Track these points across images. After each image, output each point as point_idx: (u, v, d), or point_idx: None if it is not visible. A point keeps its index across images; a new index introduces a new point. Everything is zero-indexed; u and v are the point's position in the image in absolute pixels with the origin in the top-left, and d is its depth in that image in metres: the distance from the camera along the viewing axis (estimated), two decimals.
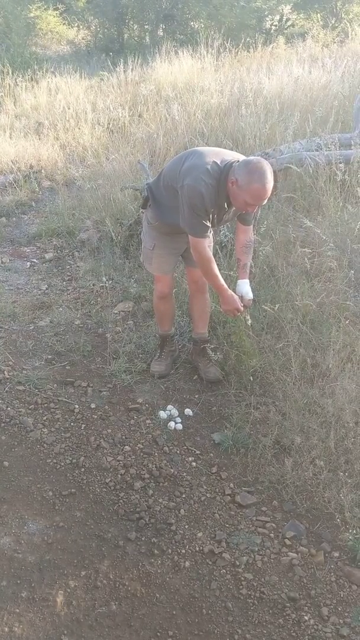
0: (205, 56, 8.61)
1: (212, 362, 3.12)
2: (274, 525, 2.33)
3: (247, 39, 10.05)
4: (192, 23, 13.11)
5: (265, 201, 2.46)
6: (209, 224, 2.58)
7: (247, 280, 2.85)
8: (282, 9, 13.15)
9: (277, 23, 12.95)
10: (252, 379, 2.97)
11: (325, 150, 4.14)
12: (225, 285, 2.70)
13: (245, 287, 2.83)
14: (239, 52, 8.92)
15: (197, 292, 3.03)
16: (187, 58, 8.67)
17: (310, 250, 3.47)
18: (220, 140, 5.24)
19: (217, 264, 3.45)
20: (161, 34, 12.84)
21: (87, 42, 13.53)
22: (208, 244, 2.69)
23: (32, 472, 2.53)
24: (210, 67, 8.30)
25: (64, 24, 13.92)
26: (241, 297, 2.79)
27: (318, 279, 3.40)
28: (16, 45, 10.35)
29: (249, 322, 2.93)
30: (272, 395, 2.89)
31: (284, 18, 13.04)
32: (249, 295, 2.83)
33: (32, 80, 8.22)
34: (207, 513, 2.37)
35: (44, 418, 2.85)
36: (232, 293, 2.71)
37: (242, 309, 2.74)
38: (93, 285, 4.08)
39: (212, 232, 2.73)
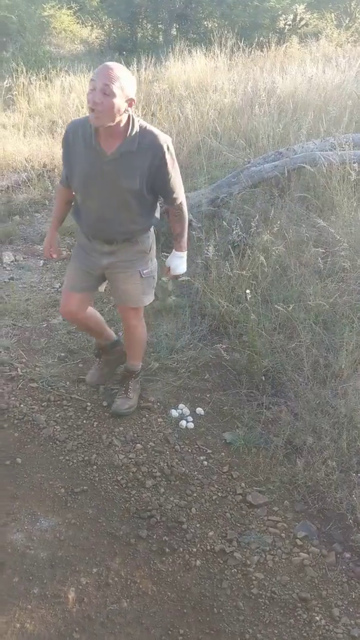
0: (219, 55, 8.62)
1: (127, 396, 2.88)
2: (285, 525, 2.32)
3: (261, 39, 10.03)
4: (205, 22, 13.12)
5: (97, 89, 2.10)
6: (64, 175, 2.49)
7: (181, 253, 2.61)
8: (296, 9, 13.10)
9: (290, 22, 12.94)
10: (264, 379, 2.97)
11: (339, 150, 4.13)
12: (53, 227, 2.69)
13: (175, 259, 2.62)
14: (253, 52, 8.92)
15: (125, 327, 2.83)
16: (201, 57, 8.68)
17: (323, 250, 3.46)
18: (233, 140, 5.25)
19: (230, 263, 3.48)
20: (174, 33, 12.85)
21: (101, 41, 13.55)
22: (69, 193, 2.57)
23: (45, 469, 2.54)
24: (223, 66, 8.30)
25: (77, 23, 13.95)
26: (168, 269, 2.66)
27: (331, 279, 3.39)
28: (30, 44, 10.39)
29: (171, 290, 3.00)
30: (284, 396, 2.89)
31: (298, 17, 13.02)
32: (177, 270, 2.64)
33: (45, 79, 8.24)
34: (218, 512, 2.37)
35: (57, 415, 2.86)
36: (50, 239, 2.69)
37: (50, 255, 2.72)
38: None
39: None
